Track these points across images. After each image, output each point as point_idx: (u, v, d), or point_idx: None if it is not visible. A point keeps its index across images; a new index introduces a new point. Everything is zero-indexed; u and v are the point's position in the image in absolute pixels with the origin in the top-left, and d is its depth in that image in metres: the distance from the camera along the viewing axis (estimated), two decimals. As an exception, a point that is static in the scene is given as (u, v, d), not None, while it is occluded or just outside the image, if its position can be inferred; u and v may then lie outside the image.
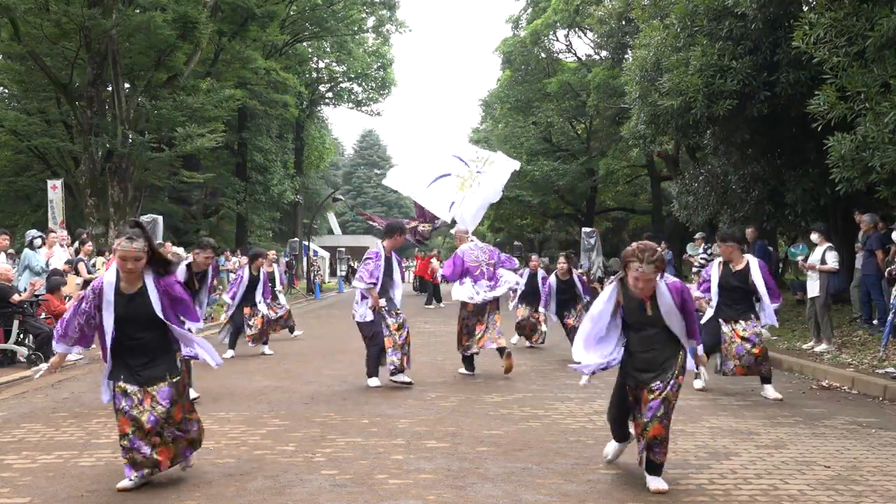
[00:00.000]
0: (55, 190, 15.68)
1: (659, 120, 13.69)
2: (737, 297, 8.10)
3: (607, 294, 5.02)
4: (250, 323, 11.93)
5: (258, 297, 12.06)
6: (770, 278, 8.17)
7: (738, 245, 8.23)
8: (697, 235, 16.93)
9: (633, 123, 15.72)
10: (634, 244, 4.79)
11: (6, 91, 29.08)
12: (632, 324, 5.00)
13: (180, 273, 6.71)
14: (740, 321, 8.06)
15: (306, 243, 34.69)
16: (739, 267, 8.11)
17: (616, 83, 23.57)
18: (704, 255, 16.15)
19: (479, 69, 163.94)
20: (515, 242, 46.81)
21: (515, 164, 10.53)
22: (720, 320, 8.17)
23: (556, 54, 33.80)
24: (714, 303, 8.17)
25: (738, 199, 14.84)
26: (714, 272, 8.34)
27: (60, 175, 25.19)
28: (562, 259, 11.75)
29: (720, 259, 8.39)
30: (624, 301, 4.96)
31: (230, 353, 11.51)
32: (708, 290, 8.32)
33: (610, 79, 25.46)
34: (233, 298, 12.03)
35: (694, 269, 15.90)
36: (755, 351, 7.93)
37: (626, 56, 24.77)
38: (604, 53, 29.92)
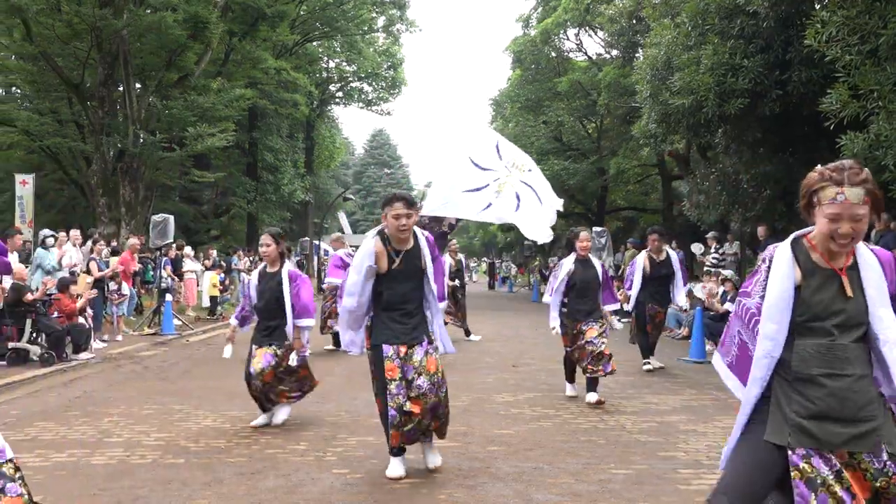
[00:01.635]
0: (25, 185, 14.21)
1: (670, 119, 13.65)
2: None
3: (779, 272, 2.77)
4: None
5: None
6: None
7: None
8: (709, 235, 16.87)
9: (644, 122, 15.67)
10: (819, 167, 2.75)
11: (18, 91, 29.24)
12: (806, 326, 2.74)
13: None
14: None
15: (317, 243, 34.66)
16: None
17: (627, 82, 23.49)
18: (716, 256, 16.09)
19: (490, 68, 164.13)
20: (525, 242, 46.79)
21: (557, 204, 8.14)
22: None
23: (566, 53, 33.73)
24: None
25: (750, 198, 14.78)
26: None
27: (73, 176, 25.41)
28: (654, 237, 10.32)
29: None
30: (803, 278, 2.76)
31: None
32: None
33: (620, 78, 25.38)
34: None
35: (705, 270, 15.84)
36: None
37: (636, 55, 24.69)
38: (614, 52, 29.84)
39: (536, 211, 7.23)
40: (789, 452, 2.66)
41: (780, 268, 2.76)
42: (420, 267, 5.02)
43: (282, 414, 6.73)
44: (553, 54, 33.00)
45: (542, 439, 6.13)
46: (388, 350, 4.90)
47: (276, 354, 6.42)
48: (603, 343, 7.54)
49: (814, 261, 2.74)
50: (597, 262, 7.96)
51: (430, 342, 5.04)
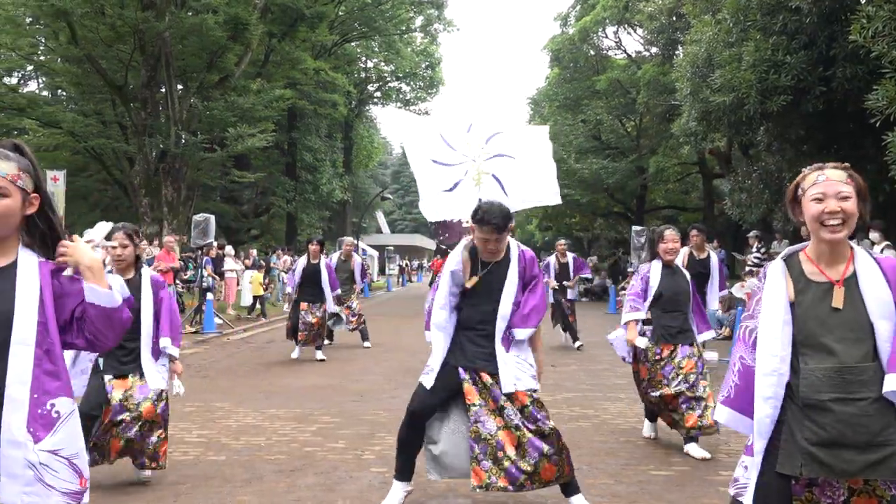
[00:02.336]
0: (56, 182, 13.83)
1: (711, 116, 13.50)
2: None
3: (771, 287, 2.68)
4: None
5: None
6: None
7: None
8: (751, 234, 16.65)
9: (685, 120, 15.52)
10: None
11: (64, 93, 29.86)
12: (806, 343, 2.59)
13: None
14: None
15: (355, 242, 34.96)
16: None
17: (666, 80, 23.27)
18: (758, 255, 15.87)
19: (527, 67, 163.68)
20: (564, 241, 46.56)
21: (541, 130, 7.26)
22: None
23: (605, 51, 33.54)
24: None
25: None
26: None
27: (117, 176, 25.84)
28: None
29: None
30: (796, 294, 2.64)
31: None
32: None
33: (660, 75, 25.16)
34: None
35: (746, 270, 15.63)
36: None
37: (676, 52, 24.42)
38: (654, 50, 29.57)
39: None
40: (793, 482, 2.55)
41: (771, 283, 2.67)
42: (504, 282, 4.27)
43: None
44: (591, 52, 32.84)
45: (581, 440, 6.09)
46: (464, 373, 4.21)
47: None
48: (704, 387, 5.68)
49: (807, 274, 2.62)
50: (685, 271, 6.23)
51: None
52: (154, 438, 4.79)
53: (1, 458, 2.16)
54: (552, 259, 13.00)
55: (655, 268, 6.00)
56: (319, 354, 11.03)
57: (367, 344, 12.61)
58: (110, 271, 4.74)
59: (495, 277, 4.27)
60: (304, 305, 10.82)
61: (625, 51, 33.35)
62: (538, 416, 4.13)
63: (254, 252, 22.10)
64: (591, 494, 4.64)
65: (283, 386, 8.84)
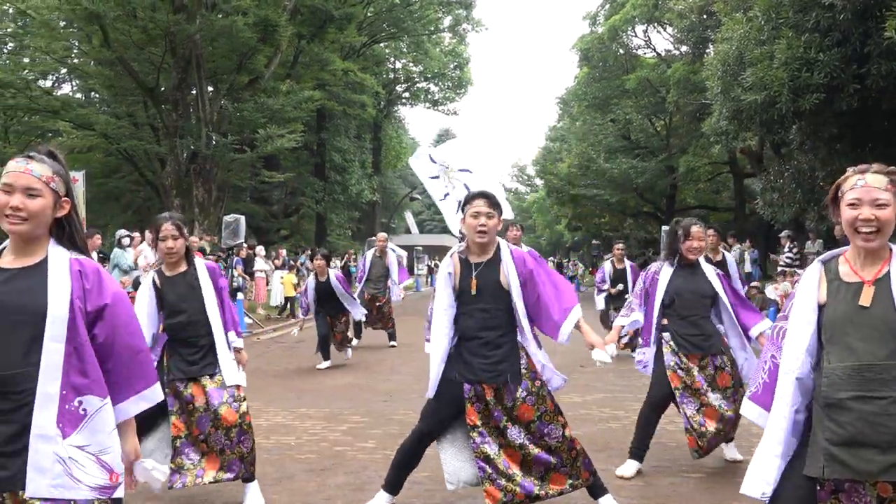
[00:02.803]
0: (75, 182, 13.86)
1: (742, 115, 13.35)
2: None
3: (803, 288, 2.69)
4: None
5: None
6: None
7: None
8: (783, 234, 16.46)
9: (715, 119, 15.37)
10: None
11: (97, 96, 30.26)
12: (831, 342, 2.57)
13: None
14: None
15: (388, 236, 35.09)
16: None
17: (697, 78, 23.07)
18: (790, 255, 15.69)
19: (556, 67, 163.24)
20: (593, 241, 46.43)
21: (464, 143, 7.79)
22: None
23: (634, 50, 33.33)
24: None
25: (826, 195, 14.37)
26: None
27: (148, 177, 26.15)
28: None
29: None
30: (828, 295, 2.62)
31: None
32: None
33: (690, 74, 24.95)
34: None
35: (778, 270, 15.47)
36: None
37: (707, 50, 24.23)
38: (684, 48, 29.35)
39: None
40: (818, 487, 2.51)
41: (804, 285, 2.67)
42: (499, 283, 4.02)
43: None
44: (621, 51, 32.65)
45: (611, 441, 6.06)
46: (468, 389, 4.00)
47: None
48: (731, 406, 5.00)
49: (841, 276, 2.59)
50: (709, 269, 5.37)
51: (521, 380, 4.03)
52: (250, 444, 4.49)
53: (30, 451, 2.21)
54: (607, 265, 12.09)
55: (666, 269, 5.31)
56: (349, 353, 10.95)
57: (393, 343, 12.57)
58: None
59: (489, 279, 4.03)
60: (329, 319, 10.38)
61: (654, 49, 33.13)
62: (545, 430, 4.01)
63: (283, 252, 22.23)
64: (621, 496, 4.61)
65: (312, 385, 8.89)
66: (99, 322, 2.34)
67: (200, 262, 4.64)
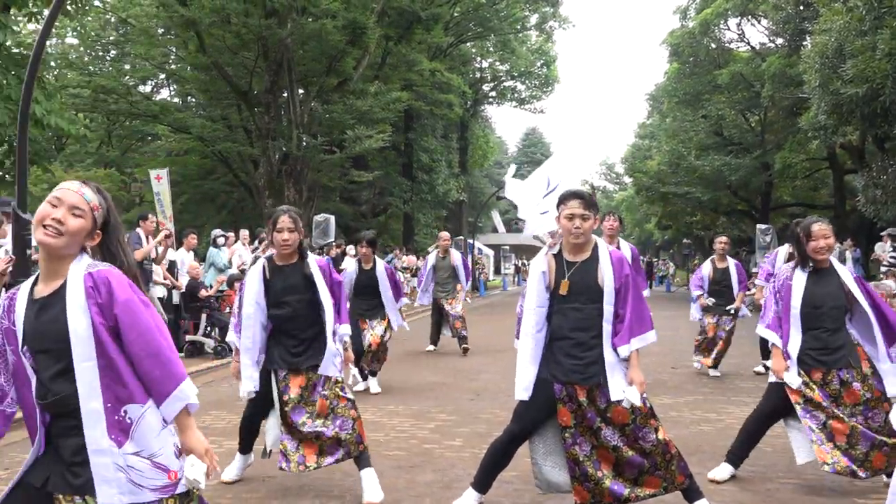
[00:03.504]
0: (160, 181, 13.84)
1: (842, 109, 12.91)
2: None
3: None
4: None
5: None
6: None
7: None
8: (885, 232, 15.79)
9: (813, 114, 14.90)
10: None
11: (193, 100, 31.30)
12: None
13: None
14: None
15: (471, 241, 35.08)
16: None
17: (793, 72, 22.37)
18: (894, 254, 15.03)
19: (645, 62, 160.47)
20: (684, 240, 45.49)
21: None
22: None
23: (726, 44, 32.55)
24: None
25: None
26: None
27: (242, 178, 26.89)
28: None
29: None
30: None
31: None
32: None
33: (786, 67, 24.21)
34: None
35: (883, 269, 14.84)
36: None
37: (804, 43, 23.47)
38: (779, 41, 28.50)
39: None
40: None
41: None
42: (596, 284, 3.93)
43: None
44: (713, 46, 31.95)
45: (703, 444, 5.93)
46: (560, 390, 3.96)
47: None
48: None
49: None
50: (842, 269, 4.83)
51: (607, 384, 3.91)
52: (349, 424, 4.53)
53: (91, 465, 2.36)
54: (705, 267, 9.97)
55: (799, 275, 4.74)
56: (374, 385, 8.49)
57: (465, 346, 11.65)
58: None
59: (585, 279, 3.95)
60: (361, 322, 8.29)
61: (748, 43, 32.24)
62: (640, 433, 3.91)
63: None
64: (715, 501, 4.51)
65: (400, 383, 8.98)
66: (120, 331, 2.41)
67: (312, 258, 4.72)
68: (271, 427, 4.76)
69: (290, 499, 4.68)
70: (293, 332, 4.60)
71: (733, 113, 31.50)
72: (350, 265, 8.61)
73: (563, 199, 3.98)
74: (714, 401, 7.82)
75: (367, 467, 4.61)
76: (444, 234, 12.28)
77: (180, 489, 2.46)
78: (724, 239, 10.01)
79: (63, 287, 2.42)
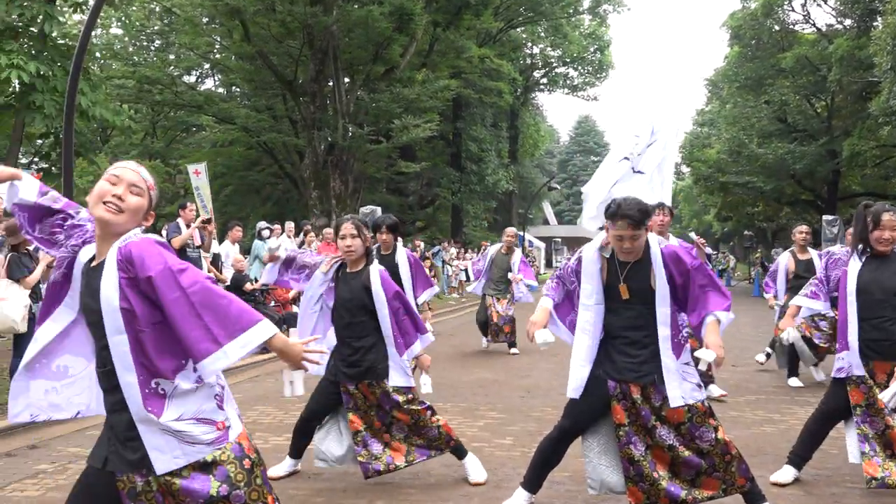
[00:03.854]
0: (198, 175, 13.79)
1: (916, 93, 12.55)
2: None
3: None
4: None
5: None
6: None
7: None
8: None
9: (885, 98, 14.54)
10: None
11: (238, 90, 31.72)
12: None
13: None
14: None
15: (521, 233, 34.99)
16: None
17: (863, 54, 21.87)
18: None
19: (704, 46, 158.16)
20: (745, 232, 44.77)
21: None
22: None
23: (791, 26, 31.93)
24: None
25: None
26: None
27: (287, 169, 27.19)
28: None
29: None
30: None
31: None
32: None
33: (855, 50, 23.66)
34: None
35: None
36: None
37: (874, 23, 22.90)
38: (848, 22, 27.87)
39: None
40: None
41: None
42: (648, 286, 3.91)
43: None
44: (776, 28, 31.38)
45: (765, 445, 5.83)
46: (614, 387, 3.94)
47: None
48: None
49: None
50: None
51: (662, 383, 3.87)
52: (434, 431, 4.71)
53: (141, 435, 2.43)
54: (784, 258, 9.03)
55: (855, 261, 4.63)
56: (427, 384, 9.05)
57: (514, 351, 11.30)
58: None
59: (637, 281, 3.92)
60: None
61: (814, 24, 31.62)
62: (696, 433, 3.84)
63: (421, 244, 22.54)
64: (778, 505, 4.44)
65: (449, 379, 8.99)
66: (159, 297, 2.39)
67: (375, 267, 4.73)
68: (321, 440, 4.87)
69: (335, 495, 4.71)
70: (348, 340, 4.69)
71: (798, 98, 30.91)
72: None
73: (612, 217, 3.85)
74: (778, 401, 7.68)
75: (465, 455, 4.91)
76: (511, 230, 11.71)
77: (231, 437, 2.54)
78: (804, 228, 9.15)
79: (102, 263, 2.47)
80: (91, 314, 2.48)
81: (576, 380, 4.01)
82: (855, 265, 4.63)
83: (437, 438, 4.72)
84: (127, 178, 2.51)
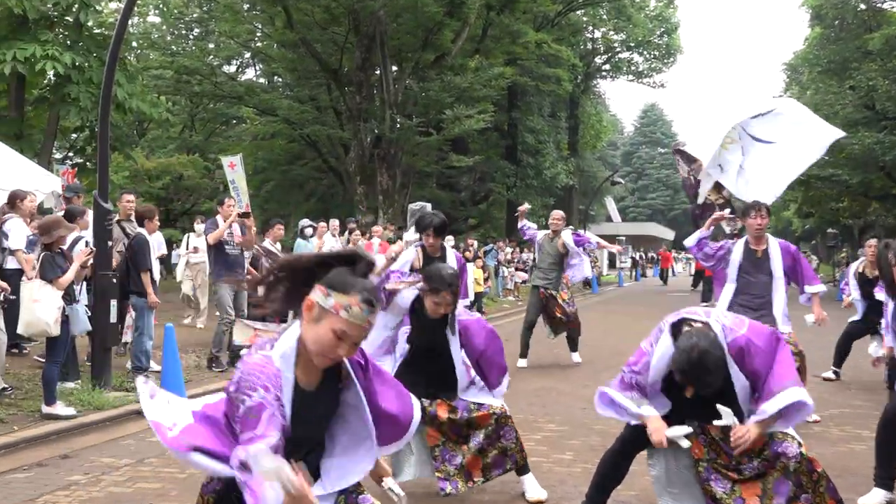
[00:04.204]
0: (233, 168, 13.74)
1: None
2: None
3: None
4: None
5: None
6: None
7: None
8: None
9: None
10: None
11: (280, 80, 32.05)
12: None
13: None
14: None
15: (582, 231, 34.84)
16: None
17: (960, 33, 21.27)
18: None
19: (782, 28, 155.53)
20: (829, 230, 43.89)
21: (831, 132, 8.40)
22: None
23: (878, 4, 31.27)
24: None
25: None
26: None
27: (331, 163, 27.41)
28: None
29: None
30: None
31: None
32: None
33: (952, 28, 23.04)
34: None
35: None
36: None
37: (973, -1, 22.26)
38: (944, -3, 27.15)
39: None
40: None
41: None
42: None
43: None
44: (862, 6, 30.79)
45: (853, 465, 5.68)
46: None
47: None
48: None
49: None
50: None
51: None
52: (513, 435, 4.78)
53: None
54: (851, 272, 9.21)
55: None
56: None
57: (576, 358, 10.95)
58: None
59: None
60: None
61: (905, 2, 30.90)
62: (778, 449, 3.71)
63: (474, 243, 22.48)
64: (868, 530, 4.31)
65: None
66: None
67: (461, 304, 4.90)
68: (402, 461, 4.89)
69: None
70: (419, 364, 4.85)
71: (887, 83, 30.22)
72: (408, 254, 6.94)
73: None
74: (866, 416, 7.48)
75: (526, 473, 4.89)
76: (557, 213, 11.10)
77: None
78: (873, 242, 8.90)
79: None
80: None
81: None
82: None
83: (515, 447, 4.75)
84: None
